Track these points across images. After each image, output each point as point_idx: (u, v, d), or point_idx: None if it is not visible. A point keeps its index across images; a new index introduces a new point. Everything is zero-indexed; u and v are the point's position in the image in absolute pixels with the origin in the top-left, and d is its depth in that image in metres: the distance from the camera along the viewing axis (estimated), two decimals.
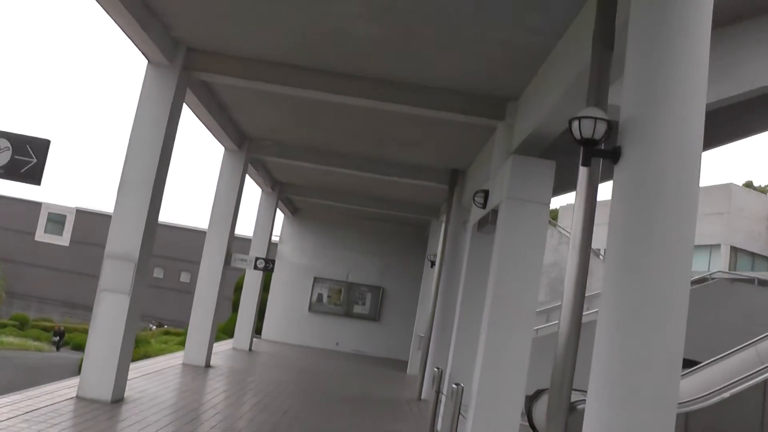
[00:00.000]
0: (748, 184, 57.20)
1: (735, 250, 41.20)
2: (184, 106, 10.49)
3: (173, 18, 8.86)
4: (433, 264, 16.17)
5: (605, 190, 6.40)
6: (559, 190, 8.91)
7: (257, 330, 21.58)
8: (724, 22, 7.57)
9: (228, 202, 14.74)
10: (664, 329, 4.26)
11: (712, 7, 4.65)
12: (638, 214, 4.41)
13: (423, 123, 11.38)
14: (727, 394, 10.07)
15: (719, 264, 39.37)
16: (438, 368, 9.56)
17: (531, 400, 10.20)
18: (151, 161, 9.44)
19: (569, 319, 4.83)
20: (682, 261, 4.35)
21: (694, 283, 18.56)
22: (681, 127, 4.45)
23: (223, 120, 13.16)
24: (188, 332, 14.48)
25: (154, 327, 46.14)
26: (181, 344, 15.18)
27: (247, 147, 14.94)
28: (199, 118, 12.58)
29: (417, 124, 11.57)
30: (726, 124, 12.43)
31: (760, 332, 12.49)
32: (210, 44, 9.82)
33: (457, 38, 8.07)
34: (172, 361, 14.19)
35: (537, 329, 15.12)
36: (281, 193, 20.74)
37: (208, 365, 14.11)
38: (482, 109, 9.91)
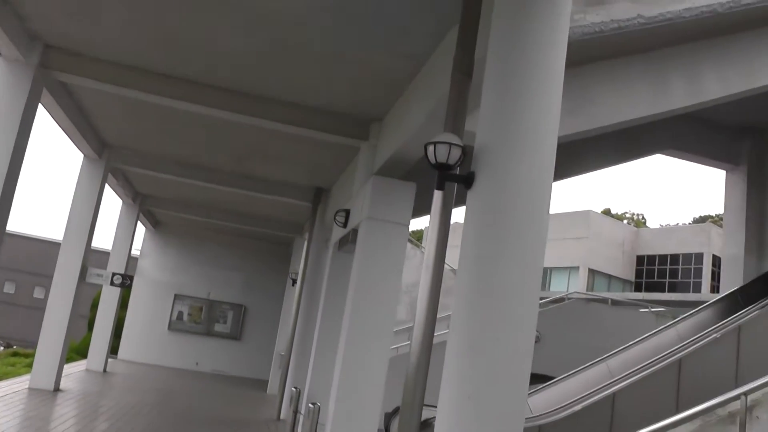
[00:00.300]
0: (606, 212, 60.92)
1: (593, 272, 43.65)
2: (40, 107, 9.94)
3: (28, 8, 8.28)
4: (294, 282, 16.13)
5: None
6: (420, 211, 9.13)
7: (113, 350, 20.67)
8: (580, 61, 8.06)
9: (85, 213, 14.00)
10: (512, 348, 4.43)
11: (565, 46, 4.94)
12: (489, 237, 4.59)
13: (288, 139, 11.37)
14: (578, 407, 10.60)
15: (577, 285, 41.59)
16: (296, 388, 9.54)
17: (390, 417, 10.36)
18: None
19: (421, 338, 4.96)
20: (530, 283, 4.55)
21: (552, 302, 19.53)
22: (532, 156, 4.67)
23: (82, 125, 12.53)
24: (36, 353, 13.48)
25: (1, 348, 43.24)
26: (31, 366, 14.24)
27: (108, 155, 14.25)
28: (57, 122, 11.85)
29: (282, 140, 11.56)
30: (583, 154, 13.23)
31: (611, 348, 13.29)
32: (70, 42, 9.31)
33: (324, 58, 8.20)
34: (17, 385, 13.11)
35: (397, 347, 15.35)
36: (143, 205, 20.03)
37: (57, 389, 13.20)
38: (346, 128, 10.04)
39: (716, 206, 77.03)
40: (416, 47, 7.30)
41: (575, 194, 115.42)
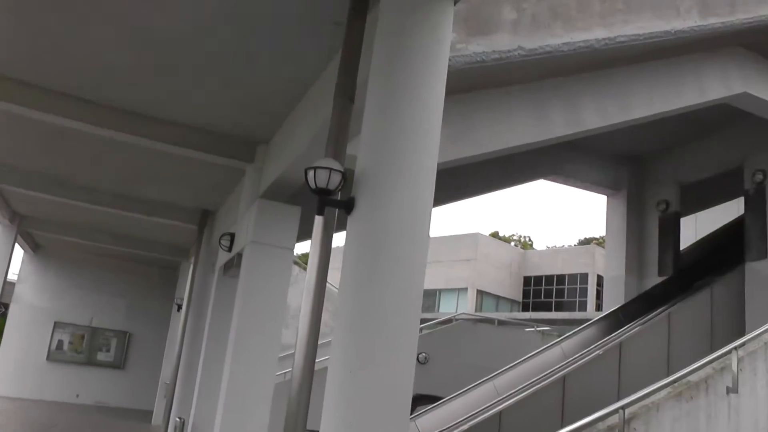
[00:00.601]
0: (495, 234, 62.47)
1: (481, 293, 44.67)
2: None
3: None
4: (179, 307, 15.72)
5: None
6: (305, 235, 9.08)
7: None
8: (463, 89, 8.29)
9: None
10: (393, 371, 4.47)
11: (445, 74, 5.08)
12: (368, 261, 4.62)
13: (174, 160, 11.07)
14: (466, 426, 10.76)
15: (466, 306, 42.43)
16: (180, 418, 9.28)
17: None
18: None
19: (302, 363, 4.92)
20: (410, 306, 4.60)
21: (441, 324, 19.75)
22: (412, 181, 4.75)
23: None
24: None
25: None
26: None
27: None
28: None
29: (168, 160, 11.26)
30: (468, 179, 13.57)
31: (498, 368, 13.58)
32: None
33: (209, 80, 8.12)
34: None
35: (285, 372, 15.15)
36: (21, 226, 19.02)
37: None
38: (232, 150, 9.91)
39: (600, 228, 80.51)
40: (302, 71, 7.34)
41: (464, 217, 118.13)
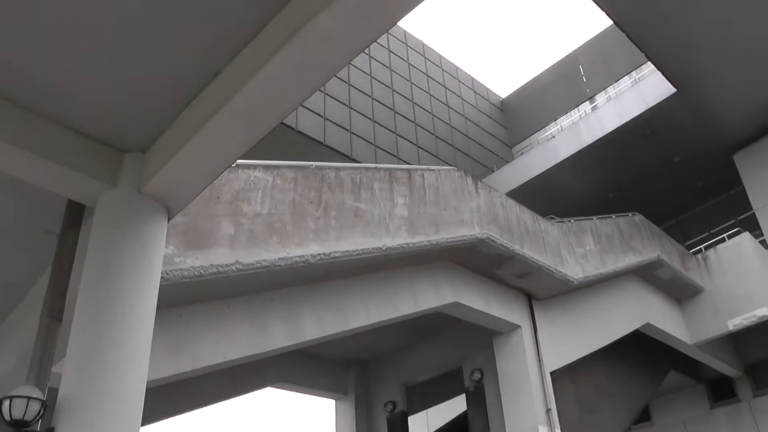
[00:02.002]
0: None
1: None
2: None
3: None
4: None
5: None
6: None
7: None
8: (184, 302, 8.43)
9: None
10: None
11: (156, 292, 5.25)
12: None
13: None
14: None
15: None
16: None
17: None
18: None
19: None
20: None
21: None
22: (119, 405, 4.71)
23: None
24: None
25: None
26: None
27: None
28: None
29: None
30: (194, 390, 13.33)
31: None
32: None
33: None
34: None
35: None
36: None
37: None
38: None
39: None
40: (13, 280, 7.09)
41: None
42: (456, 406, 19.62)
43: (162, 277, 7.26)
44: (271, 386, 15.68)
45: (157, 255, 5.38)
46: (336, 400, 17.38)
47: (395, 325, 12.67)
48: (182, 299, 8.22)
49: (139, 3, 4.02)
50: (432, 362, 16.28)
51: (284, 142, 22.71)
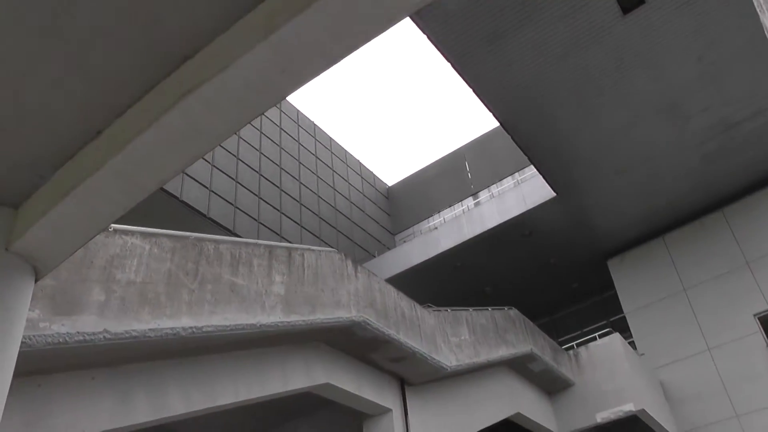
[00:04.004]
0: None
1: None
2: None
3: None
4: None
5: None
6: None
7: None
8: (45, 370, 8.17)
9: None
10: None
11: (15, 356, 5.13)
12: None
13: None
14: None
15: None
16: None
17: None
18: None
19: None
20: None
21: None
22: None
23: None
24: None
25: None
26: None
27: None
28: None
29: None
30: None
31: None
32: None
33: None
34: None
35: None
36: None
37: None
38: None
39: None
40: None
41: None
42: None
43: (23, 342, 7.12)
44: None
45: (20, 317, 5.27)
46: None
47: (264, 405, 12.60)
48: (43, 367, 7.98)
49: (23, 56, 4.11)
50: None
51: (167, 211, 22.53)
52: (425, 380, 15.52)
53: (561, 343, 26.00)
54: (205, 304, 9.37)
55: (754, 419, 23.27)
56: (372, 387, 14.04)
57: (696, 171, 25.19)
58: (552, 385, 21.85)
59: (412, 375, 15.05)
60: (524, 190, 27.64)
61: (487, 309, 19.11)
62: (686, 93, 21.71)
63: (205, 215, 23.71)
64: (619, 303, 28.47)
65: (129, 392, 9.02)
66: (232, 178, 26.34)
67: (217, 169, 25.71)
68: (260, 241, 11.15)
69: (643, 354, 25.86)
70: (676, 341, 26.05)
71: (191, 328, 8.99)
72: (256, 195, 27.31)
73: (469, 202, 35.71)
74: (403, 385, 15.13)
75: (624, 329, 26.19)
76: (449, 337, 16.06)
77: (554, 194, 25.89)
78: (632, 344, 25.98)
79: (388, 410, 14.27)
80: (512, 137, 22.89)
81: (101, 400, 8.67)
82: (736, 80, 21.43)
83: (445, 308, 16.95)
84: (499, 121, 22.16)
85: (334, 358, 13.20)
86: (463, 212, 32.40)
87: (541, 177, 25.57)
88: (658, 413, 22.44)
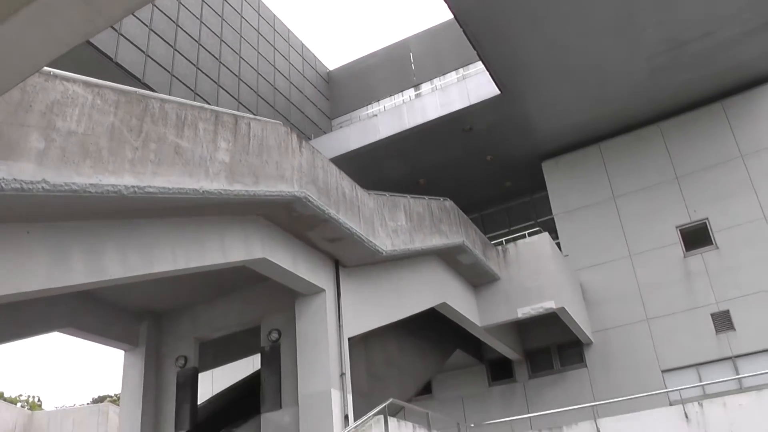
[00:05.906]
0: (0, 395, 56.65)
1: None
2: None
3: None
4: None
5: None
6: None
7: None
8: None
9: None
10: None
11: None
12: None
13: None
14: None
15: None
16: None
17: None
18: None
19: None
20: None
21: None
22: None
23: None
24: None
25: None
26: None
27: None
28: None
29: None
30: None
31: None
32: None
33: None
34: None
35: None
36: None
37: None
38: None
39: (116, 386, 77.77)
40: None
41: None
42: (246, 367, 19.65)
43: None
44: (59, 331, 14.84)
45: None
46: (126, 351, 16.80)
47: (196, 277, 12.42)
48: None
49: None
50: (229, 319, 16.16)
51: (101, 73, 21.44)
52: (360, 263, 15.53)
53: (489, 239, 26.48)
54: (148, 163, 8.95)
55: (662, 322, 24.42)
56: (307, 266, 13.97)
57: (641, 84, 25.35)
58: (478, 279, 22.26)
59: (347, 257, 15.03)
60: (468, 86, 27.35)
61: (424, 198, 19.09)
62: (644, 4, 21.57)
63: (140, 80, 22.70)
64: (549, 205, 28.98)
65: (66, 251, 8.65)
66: (171, 45, 25.17)
67: (155, 33, 24.49)
68: (206, 105, 10.66)
69: (567, 255, 26.52)
70: (599, 246, 26.82)
71: (133, 187, 8.59)
72: (194, 65, 26.25)
73: (411, 93, 35.27)
74: (338, 266, 15.11)
75: (551, 230, 26.69)
76: (387, 222, 16.02)
77: (498, 92, 25.71)
78: (558, 246, 26.60)
79: (321, 290, 14.27)
80: (464, 31, 22.42)
81: (37, 257, 8.29)
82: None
83: (384, 193, 16.83)
84: (452, 11, 21.60)
85: (272, 233, 13.01)
86: (404, 102, 32.00)
87: (486, 74, 25.33)
88: (575, 312, 23.25)
